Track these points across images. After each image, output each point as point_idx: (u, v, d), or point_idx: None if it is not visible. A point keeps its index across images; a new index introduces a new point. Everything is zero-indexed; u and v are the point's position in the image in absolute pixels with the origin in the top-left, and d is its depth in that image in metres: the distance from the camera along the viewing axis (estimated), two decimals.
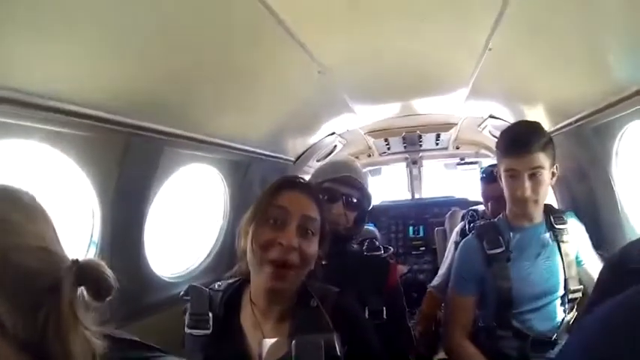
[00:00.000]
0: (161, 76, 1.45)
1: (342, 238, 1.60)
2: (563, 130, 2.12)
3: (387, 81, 2.31)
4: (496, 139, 3.23)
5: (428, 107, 3.09)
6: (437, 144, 4.05)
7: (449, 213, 3.54)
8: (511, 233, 1.77)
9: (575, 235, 1.80)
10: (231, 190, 2.50)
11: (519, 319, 1.71)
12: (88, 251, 1.63)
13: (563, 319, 1.74)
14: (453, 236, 2.76)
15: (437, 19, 1.60)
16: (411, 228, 4.20)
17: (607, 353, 0.65)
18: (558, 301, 1.74)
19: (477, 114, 3.07)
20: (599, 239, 1.95)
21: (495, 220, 1.87)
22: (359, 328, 1.24)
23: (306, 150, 3.16)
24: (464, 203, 3.77)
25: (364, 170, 1.88)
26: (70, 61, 1.18)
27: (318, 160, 3.37)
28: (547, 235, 1.77)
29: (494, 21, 1.52)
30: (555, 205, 2.09)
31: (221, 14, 1.32)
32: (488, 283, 1.74)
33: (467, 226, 2.62)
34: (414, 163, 4.38)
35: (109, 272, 0.66)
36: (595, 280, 1.67)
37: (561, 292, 1.73)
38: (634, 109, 1.68)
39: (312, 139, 3.11)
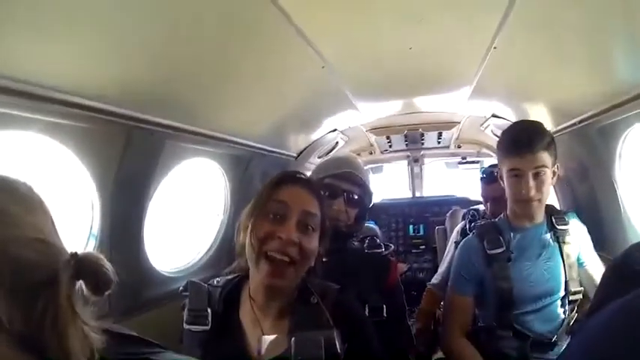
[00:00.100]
0: (163, 68, 1.44)
1: (342, 235, 1.60)
2: (567, 130, 2.12)
3: (391, 78, 2.30)
4: (499, 139, 3.25)
5: (431, 105, 3.08)
6: (439, 142, 4.03)
7: (449, 212, 3.53)
8: (512, 233, 1.76)
9: (577, 236, 1.79)
10: (232, 185, 2.50)
11: (519, 319, 1.71)
12: (87, 244, 1.62)
13: (563, 321, 1.73)
14: (454, 235, 2.76)
15: (443, 16, 1.58)
16: (411, 226, 4.19)
17: (608, 356, 0.64)
18: (559, 303, 1.73)
19: (479, 113, 3.06)
20: (601, 241, 1.95)
21: (496, 220, 1.87)
22: (359, 325, 1.23)
23: (308, 146, 3.15)
24: (465, 202, 3.76)
25: (365, 167, 1.87)
26: (71, 51, 1.16)
27: (319, 157, 3.37)
28: (548, 235, 1.76)
29: (501, 19, 1.51)
30: (557, 206, 2.08)
31: (225, 7, 1.30)
32: (488, 284, 1.74)
33: (467, 226, 2.62)
34: (416, 161, 4.37)
35: (108, 266, 0.65)
36: (595, 281, 1.68)
37: (562, 293, 1.73)
38: (638, 110, 1.67)
39: (314, 136, 3.10)
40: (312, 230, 1.17)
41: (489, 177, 2.51)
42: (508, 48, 1.74)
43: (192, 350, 1.15)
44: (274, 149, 2.71)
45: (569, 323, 1.74)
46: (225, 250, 2.41)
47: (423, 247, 4.09)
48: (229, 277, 1.28)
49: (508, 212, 1.81)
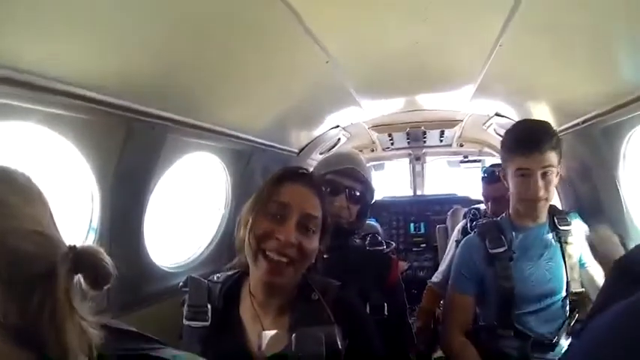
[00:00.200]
0: (166, 61, 1.42)
1: (344, 232, 1.59)
2: (570, 130, 2.10)
3: (395, 74, 2.29)
4: (502, 138, 3.24)
5: (434, 103, 3.07)
6: (441, 141, 4.02)
7: (451, 211, 3.52)
8: (514, 233, 1.76)
9: (580, 236, 1.78)
10: (233, 180, 2.49)
11: (520, 319, 1.70)
12: (87, 238, 1.61)
13: (564, 322, 1.72)
14: (455, 234, 2.76)
15: (449, 13, 1.57)
16: (412, 224, 4.18)
17: (612, 358, 0.64)
18: (560, 303, 1.72)
19: (482, 111, 3.05)
20: None
21: (498, 219, 1.86)
22: (360, 321, 1.23)
23: (310, 142, 3.14)
24: (466, 201, 3.76)
25: (367, 165, 1.85)
26: (73, 41, 1.15)
27: (321, 153, 3.36)
28: (550, 235, 1.76)
29: (507, 17, 1.50)
30: (559, 206, 2.08)
31: (228, 1, 1.29)
32: (489, 283, 1.73)
33: (469, 225, 2.62)
34: (417, 159, 4.36)
35: (107, 259, 0.64)
36: (596, 282, 1.68)
37: (563, 294, 1.72)
38: None
39: (316, 132, 3.09)
40: (313, 232, 1.16)
41: (491, 177, 2.50)
42: (513, 46, 1.73)
43: (192, 346, 1.14)
44: (276, 145, 2.70)
45: (570, 324, 1.73)
46: (225, 246, 2.40)
47: (424, 245, 4.09)
48: (229, 272, 1.28)
49: (511, 212, 1.80)
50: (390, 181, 4.62)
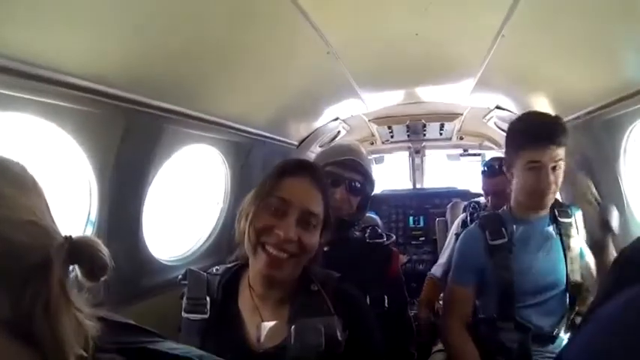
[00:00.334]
0: (165, 52, 1.41)
1: (344, 224, 1.58)
2: (572, 123, 2.09)
3: (395, 66, 2.28)
4: (502, 131, 3.22)
5: (434, 95, 3.07)
6: (441, 134, 4.02)
7: (450, 204, 3.53)
8: (514, 225, 1.75)
9: (580, 229, 1.78)
10: (232, 173, 2.48)
11: (520, 312, 1.70)
12: (85, 230, 1.60)
13: (564, 315, 1.72)
14: (454, 227, 2.75)
15: (450, 3, 1.57)
16: (411, 218, 4.18)
17: (616, 349, 0.63)
18: (560, 296, 1.72)
19: (483, 104, 3.04)
20: None
21: (499, 211, 1.85)
22: (360, 313, 1.22)
23: (310, 134, 3.14)
24: (466, 195, 3.76)
25: None
26: (71, 31, 1.14)
27: (321, 146, 3.35)
28: (551, 228, 1.75)
29: (509, 8, 1.49)
30: (560, 199, 2.07)
31: None
32: (490, 274, 1.73)
33: (468, 218, 2.62)
34: (417, 152, 4.35)
35: (104, 250, 0.63)
36: (594, 274, 1.67)
37: (563, 287, 1.71)
38: None
39: (316, 124, 3.08)
40: (313, 227, 1.15)
41: (492, 170, 2.49)
42: (515, 37, 1.72)
43: (191, 339, 1.13)
44: (276, 137, 2.69)
45: (570, 317, 1.73)
46: (224, 239, 2.40)
47: (423, 238, 4.09)
48: (228, 265, 1.27)
49: (513, 204, 1.79)
50: (389, 175, 4.61)
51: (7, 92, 1.16)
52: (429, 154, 4.46)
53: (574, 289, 1.72)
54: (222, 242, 2.40)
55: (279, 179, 1.16)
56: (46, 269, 0.55)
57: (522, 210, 1.75)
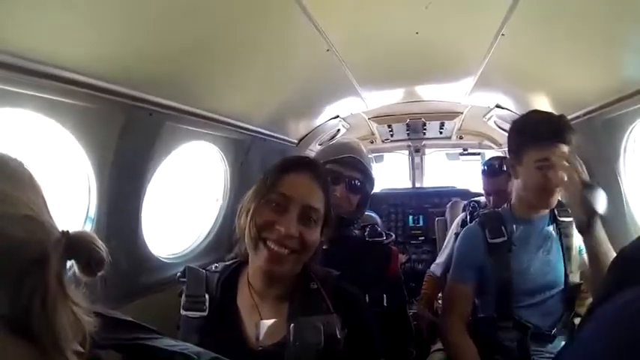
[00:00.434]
0: (164, 48, 1.41)
1: (344, 222, 1.58)
2: (572, 122, 2.09)
3: (395, 64, 2.28)
4: (502, 130, 3.22)
5: (434, 94, 3.07)
6: (440, 133, 4.03)
7: (450, 203, 3.52)
8: (514, 224, 1.74)
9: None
10: (231, 170, 2.48)
11: (519, 312, 1.69)
12: (84, 227, 1.60)
13: (562, 314, 1.72)
14: (454, 227, 2.75)
15: (451, 1, 1.56)
16: (410, 217, 4.18)
17: (628, 342, 0.62)
18: (558, 297, 1.71)
19: (483, 103, 3.04)
20: None
21: (499, 210, 1.85)
22: (359, 311, 1.22)
23: (309, 132, 3.14)
24: (465, 194, 3.76)
25: None
26: (71, 26, 1.13)
27: (320, 144, 3.36)
28: (550, 228, 1.75)
29: (510, 7, 1.48)
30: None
31: None
32: (489, 273, 1.73)
33: (468, 217, 2.61)
34: (417, 151, 4.36)
35: (100, 245, 0.63)
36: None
37: (561, 287, 1.71)
38: None
39: (316, 122, 3.08)
40: (314, 223, 1.15)
41: (493, 170, 2.49)
42: (516, 36, 1.71)
43: (190, 336, 1.13)
44: (275, 134, 2.69)
45: (568, 317, 1.73)
46: (224, 236, 2.39)
47: (422, 238, 4.09)
48: (227, 262, 1.27)
49: (514, 202, 1.78)
50: (389, 174, 4.61)
51: (5, 88, 1.15)
52: (428, 153, 4.46)
53: (573, 290, 1.72)
54: (221, 240, 2.39)
55: (281, 175, 1.16)
56: (44, 264, 0.55)
57: (524, 209, 1.74)
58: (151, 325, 0.79)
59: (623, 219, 1.99)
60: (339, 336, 1.08)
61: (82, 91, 1.30)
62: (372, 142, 4.18)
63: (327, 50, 1.86)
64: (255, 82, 1.97)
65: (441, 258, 2.62)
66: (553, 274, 1.70)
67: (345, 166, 1.61)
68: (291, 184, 1.14)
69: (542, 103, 2.28)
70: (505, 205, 1.84)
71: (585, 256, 1.73)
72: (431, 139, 4.21)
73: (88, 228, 1.58)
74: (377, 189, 3.30)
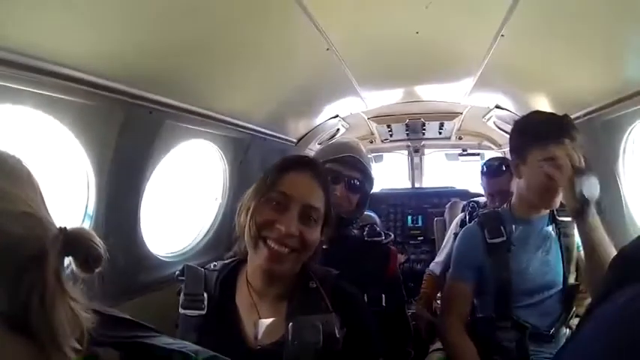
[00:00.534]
0: (164, 45, 1.41)
1: (343, 222, 1.57)
2: None
3: (395, 63, 2.28)
4: (501, 131, 3.22)
5: (433, 94, 3.07)
6: (440, 133, 4.03)
7: (449, 204, 3.52)
8: (514, 225, 1.74)
9: None
10: (230, 169, 2.48)
11: (517, 312, 1.69)
12: (82, 225, 1.59)
13: (561, 314, 1.72)
14: (453, 227, 2.75)
15: (451, 2, 1.56)
16: (409, 217, 4.18)
17: (627, 342, 0.62)
18: (557, 297, 1.71)
19: (482, 103, 3.04)
20: None
21: (499, 209, 1.85)
22: (358, 310, 1.22)
23: (309, 132, 3.14)
24: (464, 194, 3.75)
25: None
26: (70, 23, 1.13)
27: (319, 144, 3.35)
28: (550, 228, 1.75)
29: (509, 7, 1.48)
30: None
31: None
32: (487, 273, 1.73)
33: (467, 218, 2.61)
34: (416, 151, 4.36)
35: (98, 241, 0.62)
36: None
37: (560, 287, 1.71)
38: None
39: (315, 121, 3.08)
40: (315, 222, 1.15)
41: (495, 170, 2.48)
42: (515, 36, 1.72)
43: (188, 335, 1.13)
44: (274, 133, 2.69)
45: (567, 317, 1.73)
46: (222, 235, 2.39)
47: (422, 238, 4.09)
48: (226, 261, 1.27)
49: (515, 202, 1.78)
50: (388, 174, 4.61)
51: (4, 84, 1.14)
52: (427, 153, 4.46)
53: (571, 290, 1.72)
54: (220, 238, 2.39)
55: (281, 174, 1.16)
56: (42, 260, 0.55)
57: (524, 209, 1.74)
58: (150, 323, 0.79)
59: (622, 219, 1.99)
60: (337, 335, 1.07)
61: (82, 89, 1.30)
62: (371, 142, 4.19)
63: (327, 49, 1.86)
64: (254, 81, 1.97)
65: (440, 257, 2.63)
66: (552, 274, 1.70)
67: (344, 166, 1.60)
68: (291, 183, 1.14)
69: (542, 104, 2.28)
70: (505, 205, 1.83)
71: (582, 253, 1.72)
72: (430, 139, 4.21)
73: (87, 225, 1.58)
74: (376, 189, 3.32)
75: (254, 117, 2.32)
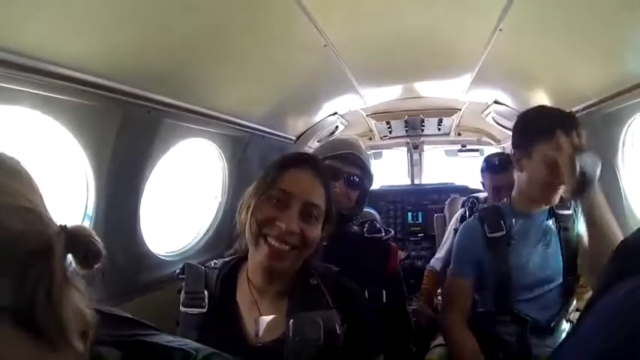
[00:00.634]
0: (162, 44, 1.40)
1: (343, 219, 1.57)
2: None
3: (393, 60, 2.27)
4: (500, 126, 3.22)
5: (432, 90, 3.07)
6: (439, 129, 4.03)
7: (449, 200, 3.53)
8: (514, 219, 1.74)
9: (579, 220, 1.77)
10: (229, 167, 2.48)
11: (517, 306, 1.70)
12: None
13: (561, 308, 1.72)
14: (453, 223, 2.76)
15: None
16: (409, 214, 4.19)
17: (628, 334, 0.62)
18: (557, 291, 1.71)
19: (481, 99, 3.04)
20: None
21: (499, 204, 1.84)
22: (359, 307, 1.21)
23: (308, 129, 3.13)
24: (464, 190, 3.77)
25: None
26: (68, 22, 1.12)
27: (319, 141, 3.36)
28: (550, 222, 1.74)
29: (507, 2, 1.48)
30: None
31: None
32: (487, 267, 1.73)
33: (467, 213, 2.61)
34: (415, 147, 4.37)
35: (97, 238, 0.63)
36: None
37: (560, 280, 1.71)
38: None
39: (314, 119, 3.08)
40: (315, 219, 1.15)
41: (496, 166, 2.48)
42: (513, 31, 1.71)
43: (189, 333, 1.13)
44: (273, 131, 2.69)
45: (567, 311, 1.73)
46: (222, 233, 2.39)
47: (422, 234, 4.10)
48: (227, 259, 1.27)
49: (515, 197, 1.78)
50: (387, 170, 4.61)
51: (2, 85, 1.14)
52: (427, 149, 4.47)
53: (571, 283, 1.72)
54: (220, 236, 2.39)
55: (281, 171, 1.15)
56: (46, 255, 0.55)
57: (524, 203, 1.74)
58: (150, 322, 0.79)
59: (621, 212, 1.99)
60: (338, 331, 1.07)
61: (80, 88, 1.29)
62: (370, 139, 4.20)
63: (325, 46, 1.85)
64: (252, 79, 1.97)
65: (440, 253, 2.63)
66: (552, 268, 1.70)
67: (343, 162, 1.60)
68: (292, 181, 1.14)
69: (541, 99, 2.27)
70: (505, 200, 1.83)
71: (582, 240, 1.71)
72: (429, 135, 4.22)
73: (87, 225, 1.58)
74: (376, 186, 3.32)
75: (252, 115, 2.32)
